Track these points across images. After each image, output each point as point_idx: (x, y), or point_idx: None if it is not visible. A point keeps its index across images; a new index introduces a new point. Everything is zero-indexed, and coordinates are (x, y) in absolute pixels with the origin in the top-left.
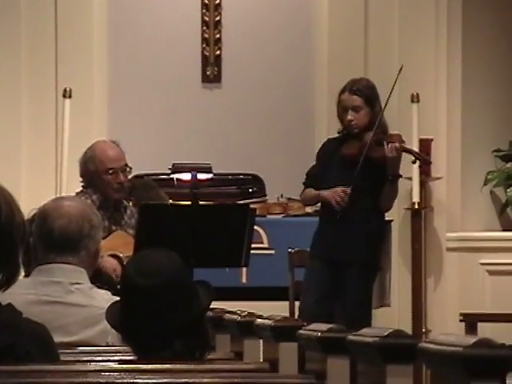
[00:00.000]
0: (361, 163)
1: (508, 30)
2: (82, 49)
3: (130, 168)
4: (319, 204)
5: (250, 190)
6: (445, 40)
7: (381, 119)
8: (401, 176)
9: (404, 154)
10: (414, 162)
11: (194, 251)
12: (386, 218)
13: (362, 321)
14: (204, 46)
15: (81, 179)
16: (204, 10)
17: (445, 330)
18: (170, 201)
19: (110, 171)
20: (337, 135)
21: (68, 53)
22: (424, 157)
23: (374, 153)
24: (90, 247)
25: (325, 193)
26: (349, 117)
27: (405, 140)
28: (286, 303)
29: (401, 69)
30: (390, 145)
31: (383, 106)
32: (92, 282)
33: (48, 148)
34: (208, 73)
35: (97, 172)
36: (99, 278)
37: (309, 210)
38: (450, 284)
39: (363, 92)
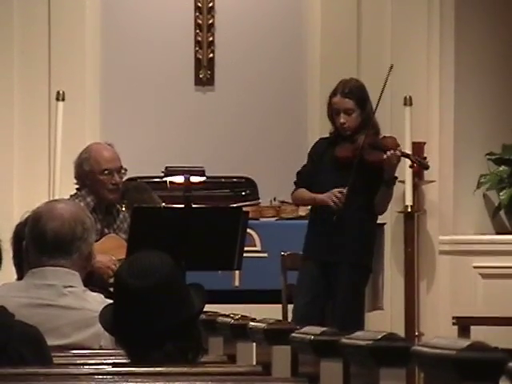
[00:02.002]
0: (355, 167)
1: (501, 32)
2: (75, 52)
3: (125, 170)
4: (309, 206)
5: (243, 193)
6: (437, 43)
7: (373, 120)
8: (396, 178)
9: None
10: (411, 167)
11: (187, 254)
12: (379, 221)
13: (354, 322)
14: (197, 48)
15: (75, 181)
16: (197, 13)
17: (437, 333)
18: (163, 204)
19: (106, 172)
20: (328, 135)
21: (61, 56)
22: (421, 161)
23: (369, 156)
24: (83, 250)
25: (321, 196)
26: (341, 120)
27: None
28: (279, 306)
29: (391, 67)
30: (389, 152)
31: (375, 107)
32: (85, 285)
33: (41, 151)
34: (201, 76)
35: (92, 172)
36: (92, 281)
37: (302, 212)
38: (443, 287)
39: (355, 94)
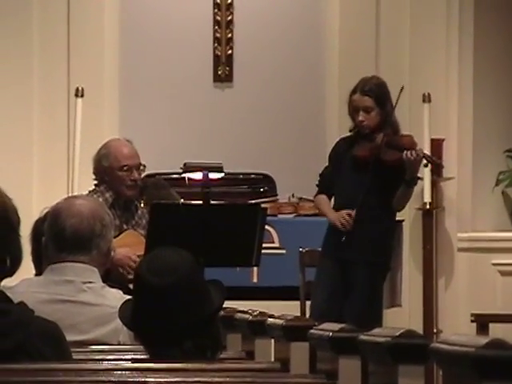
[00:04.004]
0: (372, 166)
1: None
2: (94, 48)
3: (144, 166)
4: (332, 203)
5: (261, 190)
6: (456, 39)
7: (392, 119)
8: (419, 178)
9: None
10: (426, 166)
11: (205, 250)
12: (398, 218)
13: (370, 321)
14: (216, 45)
15: (94, 177)
16: (216, 10)
17: (456, 330)
18: (182, 200)
19: (125, 168)
20: (349, 134)
21: (80, 52)
22: (437, 161)
23: (385, 155)
24: (102, 246)
25: (330, 216)
26: (360, 118)
27: (416, 141)
28: (297, 303)
29: (401, 89)
30: (408, 153)
31: (392, 110)
32: (103, 281)
33: (60, 147)
34: (219, 72)
35: (111, 168)
36: (111, 277)
37: None
38: (461, 284)
39: (374, 92)
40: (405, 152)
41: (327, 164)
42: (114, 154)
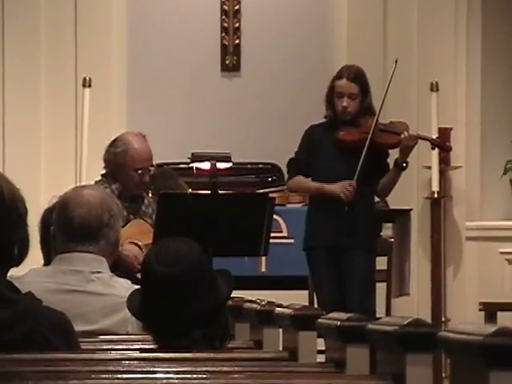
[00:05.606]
0: (366, 149)
1: None
2: (102, 38)
3: (154, 167)
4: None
5: (270, 179)
6: (464, 28)
7: (372, 105)
8: (408, 164)
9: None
10: (433, 149)
11: (213, 240)
12: (406, 207)
13: (372, 305)
14: (223, 35)
15: (104, 165)
16: None
17: (464, 319)
18: (190, 190)
19: (140, 171)
20: (321, 121)
21: (87, 42)
22: (440, 142)
23: (381, 139)
24: (110, 236)
25: (332, 186)
26: (344, 103)
27: (416, 129)
28: (305, 292)
29: (396, 62)
30: (406, 133)
31: (382, 100)
32: (112, 271)
33: (68, 137)
34: (227, 62)
35: (125, 165)
36: (119, 267)
37: None
38: (470, 273)
39: (361, 81)
40: (404, 133)
41: (298, 150)
42: (132, 154)
